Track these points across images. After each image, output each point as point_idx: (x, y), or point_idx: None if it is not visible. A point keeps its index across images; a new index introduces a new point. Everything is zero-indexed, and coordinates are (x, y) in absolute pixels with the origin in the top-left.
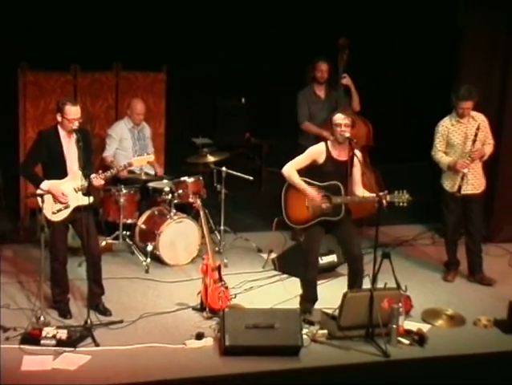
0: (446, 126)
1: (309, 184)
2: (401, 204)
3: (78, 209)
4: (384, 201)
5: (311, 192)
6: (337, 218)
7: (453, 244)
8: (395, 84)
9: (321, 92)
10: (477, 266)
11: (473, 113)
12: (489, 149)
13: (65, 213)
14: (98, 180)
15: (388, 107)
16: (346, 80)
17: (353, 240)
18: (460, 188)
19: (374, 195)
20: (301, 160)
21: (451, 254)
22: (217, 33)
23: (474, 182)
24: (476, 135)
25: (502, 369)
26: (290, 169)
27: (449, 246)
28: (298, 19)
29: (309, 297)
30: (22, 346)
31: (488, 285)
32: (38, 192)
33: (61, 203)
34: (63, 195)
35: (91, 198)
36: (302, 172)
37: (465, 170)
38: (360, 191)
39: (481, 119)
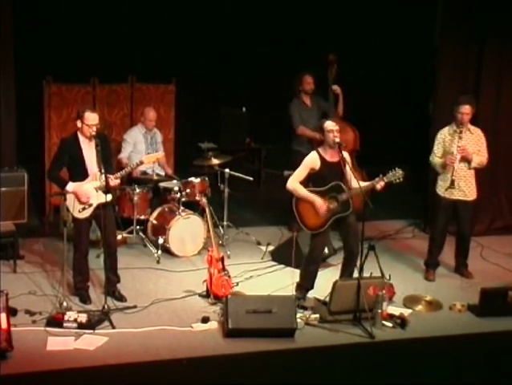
0: (444, 135)
1: (314, 191)
2: (398, 180)
3: (99, 207)
4: (383, 183)
5: (316, 200)
6: (348, 212)
7: (439, 246)
8: (380, 98)
9: (308, 101)
10: (464, 265)
11: (471, 127)
12: (480, 158)
13: (89, 211)
14: (113, 180)
15: (373, 118)
16: (338, 90)
17: (356, 238)
18: (453, 182)
19: (371, 182)
20: (300, 173)
21: (434, 256)
22: (221, 50)
23: (466, 189)
24: (461, 132)
25: (474, 348)
26: (294, 183)
27: (434, 248)
28: (293, 39)
29: (305, 286)
30: (47, 329)
31: (468, 278)
32: (67, 201)
33: (84, 203)
34: (86, 194)
35: (110, 196)
36: (304, 182)
37: (455, 165)
38: (356, 183)
39: (477, 133)
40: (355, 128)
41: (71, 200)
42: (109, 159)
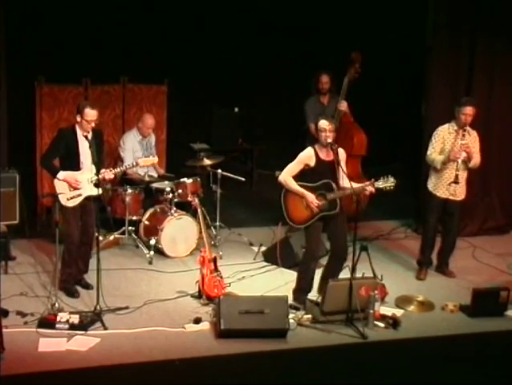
0: (443, 132)
1: (304, 186)
2: (388, 188)
3: (88, 198)
4: (373, 188)
5: (308, 194)
6: (334, 212)
7: (431, 246)
8: (373, 99)
9: (324, 100)
10: (446, 265)
11: (468, 129)
12: (476, 158)
13: (77, 200)
14: (108, 173)
15: (366, 118)
16: (344, 106)
17: (343, 235)
18: (457, 176)
19: (362, 184)
20: (294, 167)
21: (427, 255)
22: (213, 50)
23: (457, 189)
24: (464, 130)
25: (467, 348)
26: (286, 176)
27: (426, 248)
28: (285, 40)
29: (304, 288)
30: (39, 330)
31: (450, 277)
32: (57, 189)
33: (75, 189)
34: (77, 181)
35: (100, 190)
36: (296, 177)
37: (459, 160)
38: (347, 182)
39: (474, 135)
40: (364, 133)
41: (60, 188)
42: (101, 154)
